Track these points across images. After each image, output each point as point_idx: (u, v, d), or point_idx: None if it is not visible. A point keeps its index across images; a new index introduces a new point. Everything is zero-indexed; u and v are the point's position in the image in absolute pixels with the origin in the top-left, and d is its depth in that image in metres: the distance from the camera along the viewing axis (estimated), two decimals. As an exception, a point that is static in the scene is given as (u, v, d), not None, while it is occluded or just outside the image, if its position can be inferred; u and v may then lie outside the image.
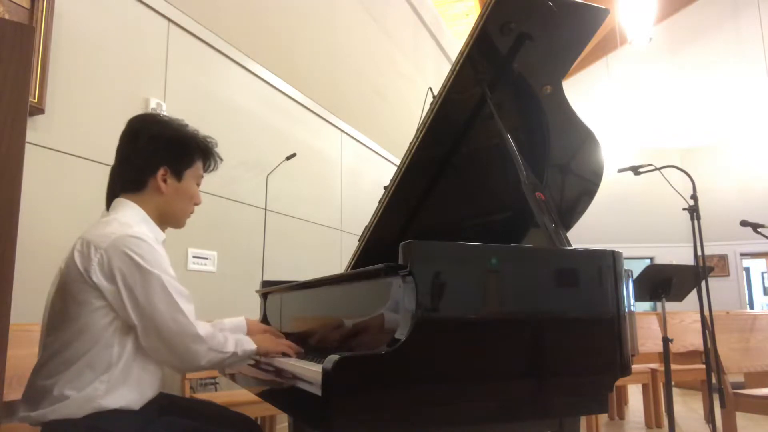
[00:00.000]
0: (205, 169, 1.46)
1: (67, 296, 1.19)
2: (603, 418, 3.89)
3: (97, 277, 1.17)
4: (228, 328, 1.55)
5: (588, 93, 9.99)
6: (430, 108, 1.66)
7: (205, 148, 1.44)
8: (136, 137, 1.35)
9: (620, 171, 2.85)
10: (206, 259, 2.92)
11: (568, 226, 1.79)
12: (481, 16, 1.48)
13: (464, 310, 1.10)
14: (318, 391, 1.01)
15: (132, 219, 1.28)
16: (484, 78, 1.62)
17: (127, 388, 1.20)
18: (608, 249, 1.24)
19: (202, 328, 1.24)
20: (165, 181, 1.35)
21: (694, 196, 2.64)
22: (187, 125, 1.42)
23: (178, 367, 1.34)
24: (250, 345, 1.35)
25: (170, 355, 1.24)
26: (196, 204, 1.45)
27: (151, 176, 1.34)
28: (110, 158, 1.39)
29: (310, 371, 1.16)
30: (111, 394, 1.17)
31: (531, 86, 1.67)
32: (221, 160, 1.50)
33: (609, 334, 1.21)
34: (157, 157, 1.34)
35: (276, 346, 1.41)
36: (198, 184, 1.44)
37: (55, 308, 1.23)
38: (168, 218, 1.39)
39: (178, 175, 1.37)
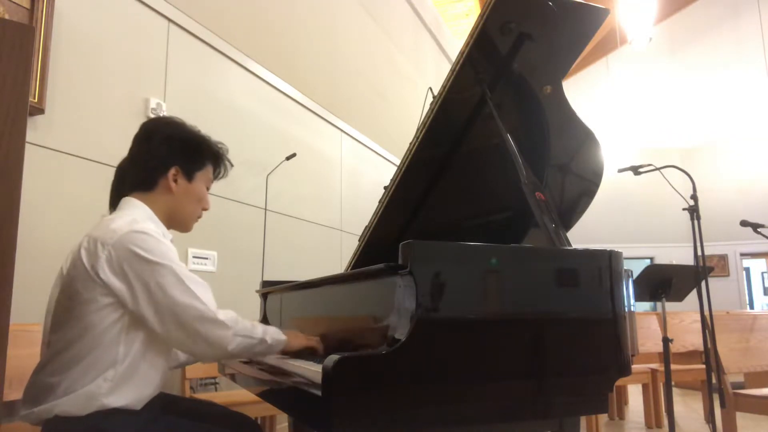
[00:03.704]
0: (215, 175, 1.47)
1: (73, 294, 1.19)
2: (603, 418, 3.89)
3: (105, 275, 1.16)
4: None
5: (588, 93, 10.00)
6: (430, 108, 1.66)
7: (216, 154, 1.44)
8: (149, 138, 1.36)
9: (620, 171, 2.85)
10: (206, 259, 2.92)
11: (568, 226, 1.79)
12: (481, 16, 1.48)
13: (464, 310, 1.10)
14: (318, 391, 1.01)
15: (139, 216, 1.28)
16: (484, 78, 1.62)
17: (130, 386, 1.20)
18: (608, 249, 1.24)
19: (224, 313, 1.23)
20: (176, 181, 1.35)
21: (694, 196, 2.65)
22: (199, 130, 1.43)
23: (208, 356, 1.31)
24: (280, 335, 1.34)
25: (196, 345, 1.22)
26: (205, 209, 1.45)
27: (162, 176, 1.34)
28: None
29: (310, 371, 1.16)
30: (114, 392, 1.17)
31: (531, 86, 1.67)
32: (232, 166, 1.50)
33: (609, 334, 1.21)
34: (170, 156, 1.35)
35: (306, 341, 1.41)
36: (207, 188, 1.44)
37: (61, 306, 1.23)
38: (175, 219, 1.39)
39: (189, 176, 1.38)
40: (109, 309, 1.17)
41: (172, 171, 1.35)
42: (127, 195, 1.35)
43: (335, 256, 4.17)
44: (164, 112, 2.67)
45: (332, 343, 1.43)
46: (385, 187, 1.83)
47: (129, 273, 1.17)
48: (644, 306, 8.89)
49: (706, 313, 2.57)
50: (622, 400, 4.35)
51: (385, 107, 5.30)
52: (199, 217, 1.46)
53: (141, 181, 1.35)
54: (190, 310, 1.18)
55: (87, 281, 1.17)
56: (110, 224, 1.22)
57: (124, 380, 1.19)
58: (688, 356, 4.16)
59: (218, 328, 1.21)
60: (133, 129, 1.41)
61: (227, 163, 1.48)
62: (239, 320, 1.25)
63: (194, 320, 1.19)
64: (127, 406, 1.19)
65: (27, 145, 1.36)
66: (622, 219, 9.60)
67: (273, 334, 1.32)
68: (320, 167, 4.14)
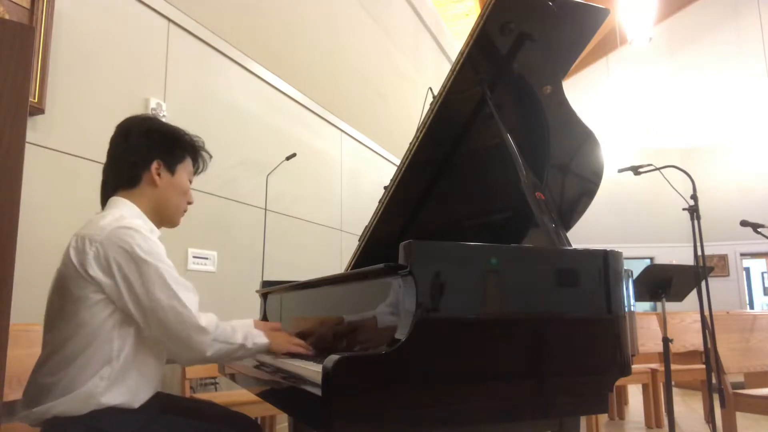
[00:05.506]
0: (195, 168, 1.47)
1: (65, 293, 1.19)
2: (603, 418, 3.89)
3: (94, 271, 1.17)
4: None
5: (588, 93, 9.99)
6: (430, 108, 1.65)
7: (194, 146, 1.45)
8: (127, 136, 1.36)
9: (620, 171, 2.85)
10: (206, 259, 2.92)
11: (568, 226, 1.79)
12: (481, 16, 1.48)
13: (464, 310, 1.10)
14: (318, 391, 1.01)
15: (126, 213, 1.28)
16: (484, 78, 1.62)
17: (127, 383, 1.20)
18: (608, 249, 1.24)
19: (205, 318, 1.23)
20: (159, 174, 1.36)
21: (694, 196, 2.65)
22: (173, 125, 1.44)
23: (185, 358, 1.31)
24: (261, 339, 1.34)
25: (174, 346, 1.23)
26: (189, 203, 1.45)
27: (145, 170, 1.35)
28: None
29: (310, 371, 1.16)
30: (111, 390, 1.17)
31: (531, 86, 1.67)
32: (211, 157, 1.51)
33: (609, 334, 1.21)
34: (151, 151, 1.35)
35: (289, 344, 1.40)
36: (190, 181, 1.45)
37: (54, 306, 1.23)
38: (162, 214, 1.39)
39: (171, 168, 1.38)
40: (100, 305, 1.18)
41: (155, 165, 1.35)
42: (113, 195, 1.35)
43: (335, 256, 4.17)
44: (164, 112, 2.67)
45: (332, 343, 1.43)
46: (385, 187, 1.83)
47: (114, 268, 1.17)
48: (644, 306, 8.88)
49: (706, 313, 2.57)
50: (622, 400, 4.35)
51: (385, 107, 5.30)
52: (185, 210, 1.46)
53: (125, 180, 1.35)
54: (169, 311, 1.19)
55: (77, 279, 1.17)
56: (98, 222, 1.23)
57: (121, 377, 1.19)
58: (688, 356, 4.16)
59: (197, 333, 1.21)
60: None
61: (205, 155, 1.49)
62: (219, 325, 1.26)
63: (174, 322, 1.19)
64: (125, 404, 1.19)
65: (27, 145, 1.35)
66: (622, 219, 9.59)
67: (254, 338, 1.32)
68: (320, 167, 4.14)
